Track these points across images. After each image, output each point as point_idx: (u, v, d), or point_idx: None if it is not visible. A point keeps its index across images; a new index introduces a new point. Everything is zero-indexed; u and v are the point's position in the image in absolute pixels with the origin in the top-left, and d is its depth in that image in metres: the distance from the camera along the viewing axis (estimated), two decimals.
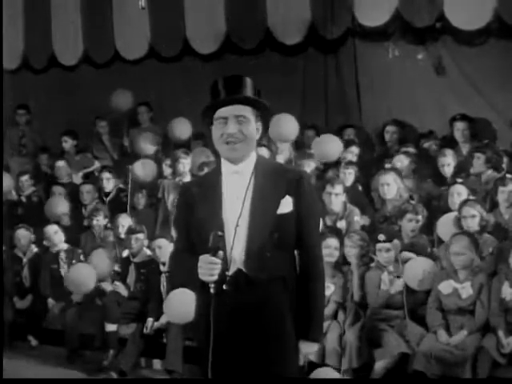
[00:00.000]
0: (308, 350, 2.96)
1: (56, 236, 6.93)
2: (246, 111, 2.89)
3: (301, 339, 2.93)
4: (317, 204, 3.07)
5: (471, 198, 5.89)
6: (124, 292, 6.51)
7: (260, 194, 2.88)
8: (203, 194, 2.93)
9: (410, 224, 5.95)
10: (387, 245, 5.60)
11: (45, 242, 7.06)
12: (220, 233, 2.76)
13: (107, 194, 7.70)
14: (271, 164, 3.15)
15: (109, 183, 7.68)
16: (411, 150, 7.06)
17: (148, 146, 7.97)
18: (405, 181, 6.53)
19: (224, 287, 2.80)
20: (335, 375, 5.22)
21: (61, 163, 8.10)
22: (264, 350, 2.86)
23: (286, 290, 2.90)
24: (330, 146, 7.06)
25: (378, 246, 5.61)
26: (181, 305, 5.61)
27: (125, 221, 6.95)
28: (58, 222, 7.13)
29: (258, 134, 2.97)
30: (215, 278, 2.75)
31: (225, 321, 2.82)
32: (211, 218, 2.86)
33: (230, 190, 2.91)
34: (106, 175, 7.69)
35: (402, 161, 6.76)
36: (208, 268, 2.74)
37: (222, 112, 2.88)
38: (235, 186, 2.91)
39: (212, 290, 2.76)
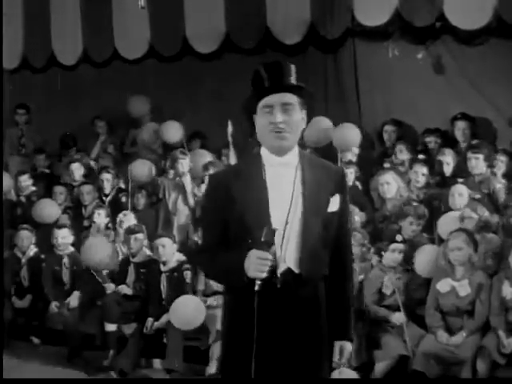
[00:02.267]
0: (349, 349, 2.95)
1: (65, 240, 6.88)
2: (292, 99, 2.78)
3: (341, 339, 2.93)
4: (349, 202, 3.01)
5: (476, 197, 5.90)
6: (129, 291, 6.50)
7: (311, 190, 2.78)
8: (245, 186, 2.78)
9: (411, 227, 5.97)
10: (401, 246, 5.61)
11: (52, 240, 7.01)
12: (275, 227, 2.65)
13: (107, 195, 7.70)
14: (314, 158, 2.99)
15: (108, 184, 7.68)
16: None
17: (151, 139, 8.00)
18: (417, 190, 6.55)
19: (278, 285, 2.71)
20: (353, 375, 5.21)
21: (75, 165, 8.07)
22: (307, 351, 2.80)
23: (325, 289, 2.87)
24: (350, 133, 7.05)
25: (393, 246, 5.59)
26: (187, 311, 5.83)
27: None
28: (64, 226, 7.07)
29: (304, 124, 2.87)
30: (265, 274, 2.63)
31: (271, 320, 2.72)
32: (257, 212, 2.73)
33: (274, 183, 2.78)
34: (105, 176, 7.68)
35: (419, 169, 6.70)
36: (260, 264, 2.62)
37: (267, 100, 2.75)
38: (281, 179, 2.79)
39: (257, 287, 2.63)
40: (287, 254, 2.73)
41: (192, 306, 5.91)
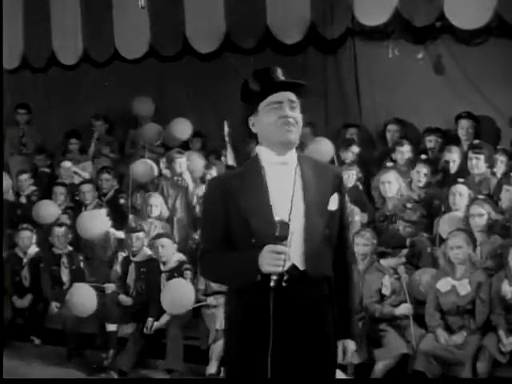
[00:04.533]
0: (353, 347, 2.95)
1: (63, 239, 6.90)
2: (296, 98, 2.87)
3: (344, 338, 2.93)
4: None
5: (481, 196, 5.90)
6: (129, 302, 6.47)
7: (311, 189, 2.83)
8: (245, 185, 2.82)
9: (406, 229, 5.99)
10: (406, 250, 5.65)
11: (50, 239, 7.02)
12: (286, 220, 2.66)
13: (105, 195, 7.70)
14: (311, 159, 3.02)
15: (108, 184, 7.68)
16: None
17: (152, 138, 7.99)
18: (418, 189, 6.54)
19: (283, 284, 2.69)
20: (341, 375, 5.21)
21: (67, 164, 8.06)
22: (313, 351, 2.79)
23: (331, 288, 2.88)
24: (322, 147, 7.06)
25: (402, 252, 5.62)
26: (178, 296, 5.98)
27: (157, 201, 6.96)
28: (64, 224, 7.07)
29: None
30: (282, 268, 2.63)
31: (281, 318, 2.72)
32: (260, 214, 2.76)
33: (275, 181, 2.82)
34: (105, 176, 7.68)
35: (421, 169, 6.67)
36: (276, 258, 2.61)
37: (276, 97, 2.83)
38: (280, 178, 2.83)
39: (272, 283, 2.64)
40: (292, 251, 2.71)
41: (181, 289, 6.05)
